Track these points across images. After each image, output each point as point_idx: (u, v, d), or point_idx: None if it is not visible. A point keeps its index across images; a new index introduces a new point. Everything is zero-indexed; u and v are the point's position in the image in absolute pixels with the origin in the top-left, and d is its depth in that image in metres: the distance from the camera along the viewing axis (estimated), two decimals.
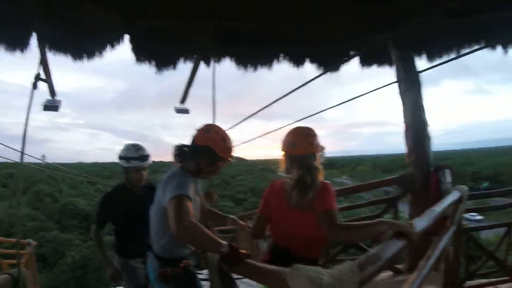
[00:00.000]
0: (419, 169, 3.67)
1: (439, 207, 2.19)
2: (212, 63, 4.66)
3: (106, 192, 3.02)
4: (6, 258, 4.92)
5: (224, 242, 1.60)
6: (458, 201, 2.71)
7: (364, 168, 62.54)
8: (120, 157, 2.85)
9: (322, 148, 2.07)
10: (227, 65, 4.70)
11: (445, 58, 4.53)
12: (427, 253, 1.94)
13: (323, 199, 1.88)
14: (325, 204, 1.86)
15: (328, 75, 5.11)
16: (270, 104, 3.97)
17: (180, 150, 2.08)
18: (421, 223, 1.68)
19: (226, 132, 2.12)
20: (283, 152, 2.11)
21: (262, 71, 4.83)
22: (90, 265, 22.33)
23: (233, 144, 2.13)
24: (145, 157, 2.86)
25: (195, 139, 2.07)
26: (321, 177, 1.95)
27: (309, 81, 3.26)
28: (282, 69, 4.88)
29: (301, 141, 1.99)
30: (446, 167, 3.72)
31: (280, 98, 3.66)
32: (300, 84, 3.15)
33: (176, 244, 2.01)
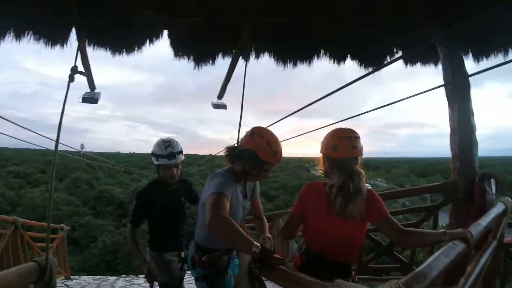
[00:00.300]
0: (464, 176, 3.41)
1: (484, 221, 2.05)
2: (250, 58, 4.62)
3: (141, 189, 2.97)
4: (38, 242, 5.18)
5: (256, 243, 1.54)
6: (502, 215, 2.53)
7: (399, 171, 60.25)
8: (151, 154, 2.82)
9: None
10: (265, 61, 4.68)
11: (492, 58, 4.23)
12: (467, 270, 1.81)
13: (378, 208, 1.85)
14: (383, 212, 1.84)
15: (365, 70, 4.92)
16: (310, 104, 3.82)
17: (230, 152, 2.15)
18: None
19: (273, 135, 2.08)
20: (321, 154, 2.02)
21: (301, 68, 4.75)
22: (121, 251, 23.07)
23: (280, 147, 2.08)
24: (173, 155, 2.76)
25: (241, 142, 2.12)
26: (364, 182, 1.86)
27: (353, 82, 3.07)
28: (320, 66, 4.76)
29: (343, 144, 1.90)
30: (492, 176, 3.45)
31: (321, 98, 3.51)
32: (342, 84, 2.96)
33: (211, 237, 2.09)
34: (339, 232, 1.86)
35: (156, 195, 2.81)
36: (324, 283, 1.09)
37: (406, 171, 61.35)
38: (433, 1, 3.56)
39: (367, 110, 3.78)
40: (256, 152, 2.00)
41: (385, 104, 3.28)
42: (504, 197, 2.90)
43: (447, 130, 3.58)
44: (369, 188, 1.89)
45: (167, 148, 2.76)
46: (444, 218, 3.71)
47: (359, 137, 1.94)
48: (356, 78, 3.10)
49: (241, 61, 4.63)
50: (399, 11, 3.94)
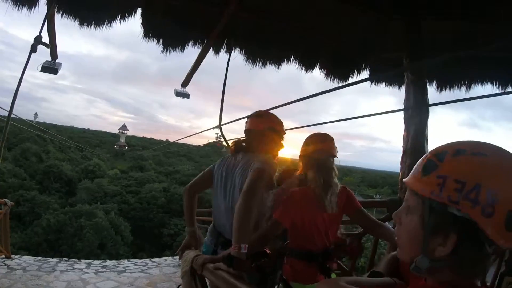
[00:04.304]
0: None
1: None
2: (222, 52, 4.61)
3: None
4: None
5: (243, 249, 1.54)
6: None
7: (351, 179, 62.13)
8: None
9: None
10: (233, 57, 4.68)
11: (454, 90, 4.54)
12: None
13: (355, 201, 2.03)
14: (358, 205, 2.04)
15: (330, 80, 5.06)
16: (279, 106, 3.83)
17: None
18: None
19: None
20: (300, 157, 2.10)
21: (269, 69, 4.82)
22: (64, 231, 22.13)
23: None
24: None
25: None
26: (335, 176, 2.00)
27: (323, 92, 3.14)
28: (287, 71, 4.90)
29: (315, 143, 2.03)
30: None
31: (290, 103, 3.56)
32: (312, 93, 3.04)
33: None
34: (326, 226, 1.95)
35: None
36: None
37: (357, 180, 63.42)
38: (407, 36, 3.70)
39: (330, 121, 3.91)
40: None
41: (349, 117, 3.42)
42: None
43: (398, 146, 3.77)
44: (343, 185, 2.04)
45: None
46: None
47: (333, 140, 2.06)
48: (326, 89, 3.20)
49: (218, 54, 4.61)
50: (375, 33, 4.09)
